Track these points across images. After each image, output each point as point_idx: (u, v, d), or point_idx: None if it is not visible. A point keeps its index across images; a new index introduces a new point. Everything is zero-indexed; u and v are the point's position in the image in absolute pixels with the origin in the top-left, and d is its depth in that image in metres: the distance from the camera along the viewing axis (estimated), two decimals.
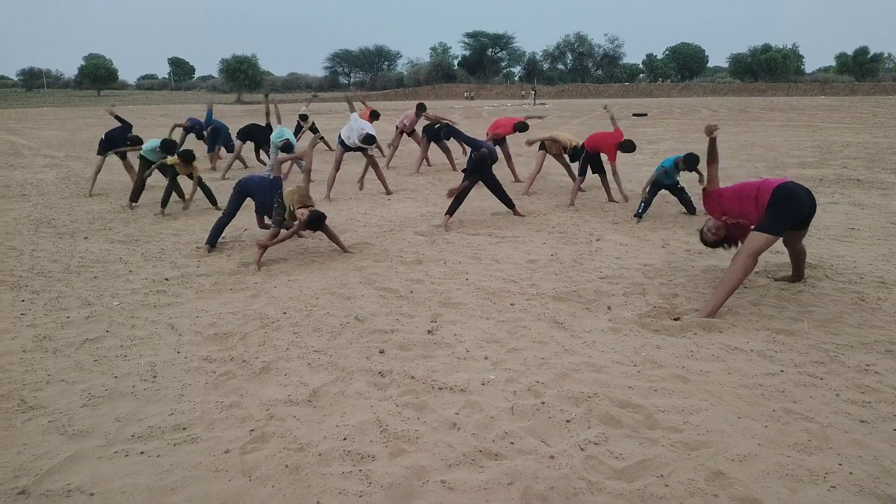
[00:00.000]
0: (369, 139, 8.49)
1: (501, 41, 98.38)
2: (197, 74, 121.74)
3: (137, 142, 9.23)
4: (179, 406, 3.10)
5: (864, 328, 3.97)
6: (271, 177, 6.21)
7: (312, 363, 3.57)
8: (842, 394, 3.14)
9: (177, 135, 13.28)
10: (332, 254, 5.95)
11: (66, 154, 15.62)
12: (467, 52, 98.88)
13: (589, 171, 8.27)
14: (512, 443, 2.75)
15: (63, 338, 3.98)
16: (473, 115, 33.64)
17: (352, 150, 8.95)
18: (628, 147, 7.77)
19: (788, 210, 4.18)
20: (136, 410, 3.07)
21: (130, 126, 9.93)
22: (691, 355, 3.61)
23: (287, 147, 10.05)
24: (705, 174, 4.88)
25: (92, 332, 4.06)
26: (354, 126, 8.59)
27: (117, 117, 9.85)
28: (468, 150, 7.51)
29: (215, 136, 12.20)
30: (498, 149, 10.22)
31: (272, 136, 10.45)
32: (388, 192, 9.22)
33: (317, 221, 5.44)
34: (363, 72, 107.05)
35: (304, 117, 14.05)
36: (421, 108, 11.49)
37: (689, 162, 6.95)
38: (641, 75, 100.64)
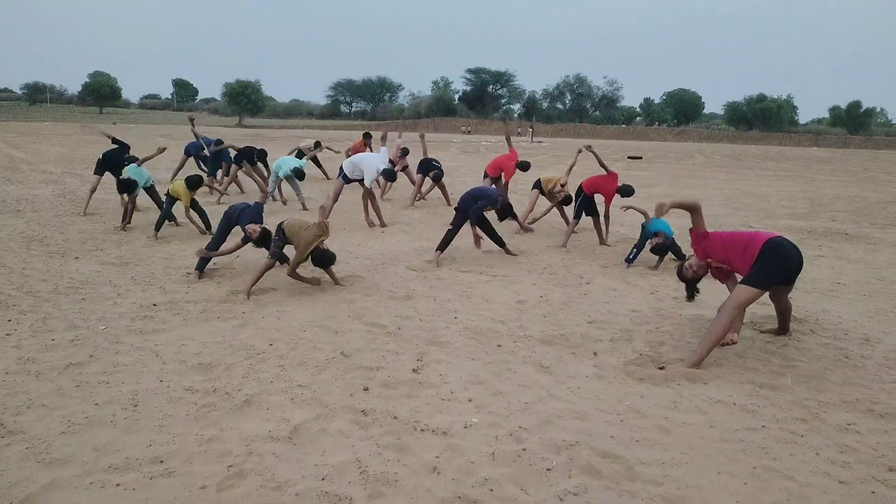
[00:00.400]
0: (391, 175, 8.79)
1: (502, 78, 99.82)
2: (200, 96, 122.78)
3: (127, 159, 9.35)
4: (158, 437, 3.08)
5: (847, 386, 3.99)
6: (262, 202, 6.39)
7: (295, 398, 3.56)
8: (822, 453, 3.15)
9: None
10: (323, 285, 5.96)
11: (62, 170, 15.65)
12: (468, 88, 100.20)
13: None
14: (491, 490, 2.74)
15: (47, 361, 3.96)
16: (471, 149, 33.99)
17: (351, 182, 9.05)
18: (627, 191, 7.90)
19: (776, 265, 4.23)
20: (115, 440, 3.05)
21: (128, 146, 10.00)
22: (675, 406, 3.62)
23: (299, 174, 10.24)
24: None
25: (76, 357, 4.04)
26: (369, 164, 8.76)
27: (113, 139, 9.92)
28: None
29: (217, 158, 12.23)
30: (494, 187, 10.37)
31: (275, 165, 10.57)
32: (383, 225, 9.27)
33: (326, 258, 5.66)
34: (364, 101, 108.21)
35: (317, 144, 14.54)
36: (405, 153, 11.91)
37: (656, 251, 7.02)
38: (638, 118, 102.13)
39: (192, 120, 13.21)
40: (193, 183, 7.75)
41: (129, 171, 8.47)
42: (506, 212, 7.30)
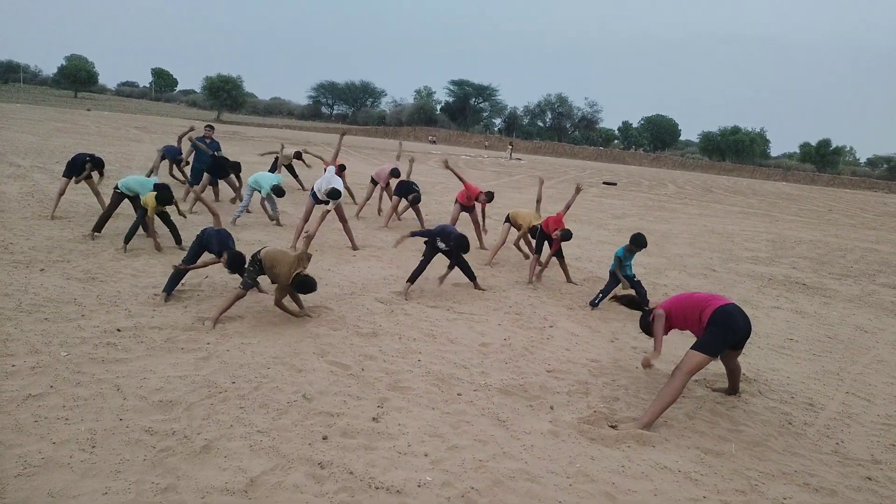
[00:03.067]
0: (334, 193, 8.72)
1: (485, 92, 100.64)
2: (179, 88, 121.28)
3: (99, 164, 9.35)
4: (114, 484, 3.11)
5: (787, 455, 4.18)
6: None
7: (254, 445, 3.61)
8: None
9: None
10: (289, 315, 5.99)
11: (31, 163, 15.37)
12: (451, 99, 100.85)
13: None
14: None
15: (6, 390, 3.95)
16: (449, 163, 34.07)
17: (323, 203, 9.09)
18: (566, 236, 8.04)
19: (724, 334, 4.43)
20: (71, 485, 3.07)
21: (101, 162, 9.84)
22: (622, 471, 3.76)
23: (278, 192, 10.20)
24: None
25: (36, 387, 4.03)
26: (328, 179, 8.82)
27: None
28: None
29: (199, 169, 12.09)
30: (466, 214, 10.54)
31: (252, 181, 10.52)
32: (355, 248, 9.32)
33: (309, 285, 5.61)
34: (346, 105, 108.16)
35: (298, 155, 14.68)
36: (395, 174, 12.02)
37: (637, 242, 7.24)
38: (616, 141, 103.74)
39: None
40: (163, 199, 7.66)
41: (125, 185, 8.30)
42: (462, 247, 7.30)
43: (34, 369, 4.28)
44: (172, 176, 13.88)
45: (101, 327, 5.19)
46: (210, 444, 3.57)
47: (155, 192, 7.69)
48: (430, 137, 72.06)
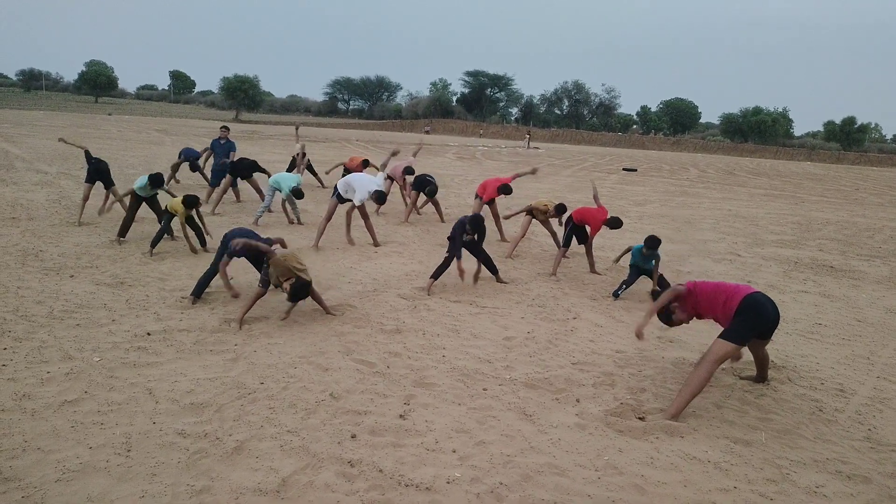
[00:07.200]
0: (381, 198, 8.96)
1: (501, 82, 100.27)
2: (197, 89, 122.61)
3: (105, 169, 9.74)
4: (151, 488, 3.18)
5: (819, 443, 4.13)
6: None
7: (284, 445, 3.67)
8: None
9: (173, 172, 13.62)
10: (315, 314, 6.06)
11: (58, 170, 15.66)
12: (466, 90, 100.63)
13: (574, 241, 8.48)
14: None
15: (42, 397, 4.05)
16: (467, 155, 34.09)
17: (345, 202, 9.15)
18: (615, 224, 7.99)
19: (753, 321, 4.38)
20: (108, 489, 3.14)
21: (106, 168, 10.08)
22: (651, 462, 3.75)
23: (298, 194, 10.23)
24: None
25: (71, 393, 4.13)
26: (362, 184, 8.84)
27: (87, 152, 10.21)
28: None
29: (221, 170, 12.24)
30: (487, 208, 10.49)
31: (272, 181, 10.59)
32: (376, 245, 9.37)
33: (301, 292, 5.57)
34: (362, 100, 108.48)
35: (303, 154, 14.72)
36: (408, 172, 12.12)
37: (651, 244, 7.17)
38: (635, 126, 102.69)
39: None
40: (190, 202, 7.80)
41: (138, 185, 8.52)
42: (477, 226, 7.27)
43: (68, 375, 4.39)
44: (176, 180, 14.00)
45: (132, 331, 5.29)
46: (242, 445, 3.63)
47: (182, 197, 7.83)
48: (424, 128, 73.85)
